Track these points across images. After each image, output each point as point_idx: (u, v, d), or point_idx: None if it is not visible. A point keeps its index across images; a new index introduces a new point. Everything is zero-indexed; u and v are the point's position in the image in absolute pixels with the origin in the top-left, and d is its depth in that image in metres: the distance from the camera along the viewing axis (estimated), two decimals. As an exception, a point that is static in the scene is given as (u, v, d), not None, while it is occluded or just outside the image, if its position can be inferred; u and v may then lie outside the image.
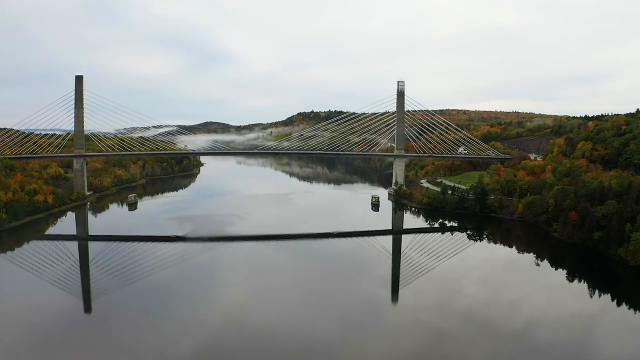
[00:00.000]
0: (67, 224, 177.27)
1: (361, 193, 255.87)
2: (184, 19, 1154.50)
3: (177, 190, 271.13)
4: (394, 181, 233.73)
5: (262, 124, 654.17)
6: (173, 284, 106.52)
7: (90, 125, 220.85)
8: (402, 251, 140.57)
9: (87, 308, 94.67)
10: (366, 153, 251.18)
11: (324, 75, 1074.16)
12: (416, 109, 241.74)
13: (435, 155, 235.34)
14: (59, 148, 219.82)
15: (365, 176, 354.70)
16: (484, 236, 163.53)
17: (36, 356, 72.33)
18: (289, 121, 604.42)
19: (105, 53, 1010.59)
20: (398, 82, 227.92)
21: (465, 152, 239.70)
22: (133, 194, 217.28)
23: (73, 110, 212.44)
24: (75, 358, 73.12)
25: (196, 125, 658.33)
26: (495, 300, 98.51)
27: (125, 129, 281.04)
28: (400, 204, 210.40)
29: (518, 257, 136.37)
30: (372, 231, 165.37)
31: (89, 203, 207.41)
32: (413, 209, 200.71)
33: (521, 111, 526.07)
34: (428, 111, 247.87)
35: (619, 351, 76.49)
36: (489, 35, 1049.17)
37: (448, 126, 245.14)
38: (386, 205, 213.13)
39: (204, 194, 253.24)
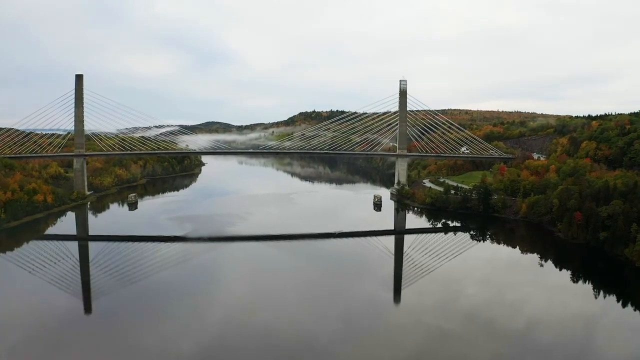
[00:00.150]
0: (67, 223, 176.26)
1: (363, 193, 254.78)
2: (185, 19, 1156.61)
3: (178, 190, 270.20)
4: (396, 181, 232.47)
5: (263, 123, 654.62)
6: (174, 285, 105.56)
7: (92, 125, 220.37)
8: (404, 251, 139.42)
9: (87, 308, 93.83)
10: (368, 153, 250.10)
11: (326, 75, 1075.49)
12: (418, 108, 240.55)
13: (437, 154, 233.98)
14: (59, 147, 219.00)
15: (367, 176, 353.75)
16: (487, 236, 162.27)
17: (36, 357, 71.46)
18: (291, 121, 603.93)
19: (106, 53, 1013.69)
20: (400, 81, 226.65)
21: (468, 151, 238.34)
22: (133, 194, 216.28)
23: (73, 110, 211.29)
24: (75, 359, 72.21)
25: (198, 125, 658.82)
26: (499, 301, 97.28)
27: (126, 129, 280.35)
28: (402, 203, 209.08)
29: (522, 257, 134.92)
30: (374, 231, 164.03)
31: (89, 203, 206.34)
32: (415, 209, 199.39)
33: (523, 111, 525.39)
34: (430, 111, 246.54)
35: (623, 352, 75.44)
36: (490, 35, 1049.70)
37: (450, 125, 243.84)
38: (388, 205, 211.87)
39: (205, 194, 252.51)
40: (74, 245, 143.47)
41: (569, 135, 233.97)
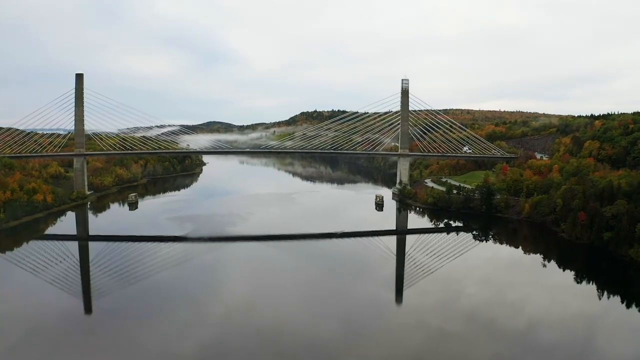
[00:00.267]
0: (67, 223, 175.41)
1: (365, 193, 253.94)
2: (186, 19, 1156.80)
3: (178, 190, 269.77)
4: (398, 180, 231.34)
5: (265, 123, 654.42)
6: (174, 285, 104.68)
7: (93, 125, 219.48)
8: (406, 252, 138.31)
9: (88, 309, 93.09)
10: (370, 152, 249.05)
11: (327, 75, 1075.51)
12: (420, 107, 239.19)
13: (440, 154, 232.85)
14: (60, 147, 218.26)
15: (369, 176, 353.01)
16: (490, 236, 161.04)
17: (36, 357, 70.80)
18: (292, 121, 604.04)
19: (106, 53, 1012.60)
20: (402, 80, 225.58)
21: (470, 151, 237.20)
22: (134, 194, 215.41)
23: (73, 109, 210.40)
24: (75, 359, 71.55)
25: (199, 125, 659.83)
26: (501, 301, 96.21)
27: (128, 128, 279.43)
28: (404, 203, 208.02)
29: (525, 257, 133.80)
30: (376, 231, 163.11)
31: (89, 202, 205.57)
32: (417, 208, 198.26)
33: (525, 111, 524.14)
34: (432, 110, 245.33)
35: (627, 353, 74.59)
36: (490, 35, 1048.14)
37: (452, 125, 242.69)
38: (390, 205, 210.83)
39: (206, 194, 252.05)
40: (74, 245, 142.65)
41: (571, 135, 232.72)
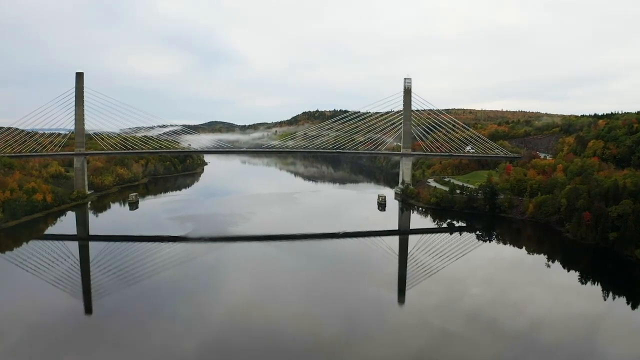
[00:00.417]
0: (67, 223, 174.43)
1: (367, 192, 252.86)
2: (186, 19, 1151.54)
3: (180, 190, 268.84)
4: (400, 180, 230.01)
5: (266, 123, 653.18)
6: (175, 285, 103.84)
7: (94, 124, 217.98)
8: (409, 252, 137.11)
9: (88, 309, 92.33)
10: (372, 152, 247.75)
11: (329, 75, 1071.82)
12: (423, 106, 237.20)
13: (442, 154, 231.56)
14: (60, 146, 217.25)
15: (371, 175, 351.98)
16: (494, 236, 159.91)
17: (36, 357, 70.13)
18: (294, 120, 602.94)
19: (107, 53, 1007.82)
20: (405, 79, 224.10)
21: (473, 150, 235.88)
22: (134, 193, 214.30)
23: (74, 109, 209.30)
24: (76, 359, 70.77)
25: (201, 124, 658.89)
26: (504, 302, 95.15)
27: (129, 128, 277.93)
28: (407, 203, 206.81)
29: (529, 258, 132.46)
30: (378, 231, 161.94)
31: (89, 202, 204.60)
32: (420, 208, 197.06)
33: (527, 110, 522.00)
34: (434, 110, 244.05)
35: (631, 353, 73.59)
36: (490, 36, 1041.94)
37: (455, 124, 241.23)
38: (393, 205, 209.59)
39: (207, 193, 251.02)
40: (74, 245, 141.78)
41: (575, 134, 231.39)
